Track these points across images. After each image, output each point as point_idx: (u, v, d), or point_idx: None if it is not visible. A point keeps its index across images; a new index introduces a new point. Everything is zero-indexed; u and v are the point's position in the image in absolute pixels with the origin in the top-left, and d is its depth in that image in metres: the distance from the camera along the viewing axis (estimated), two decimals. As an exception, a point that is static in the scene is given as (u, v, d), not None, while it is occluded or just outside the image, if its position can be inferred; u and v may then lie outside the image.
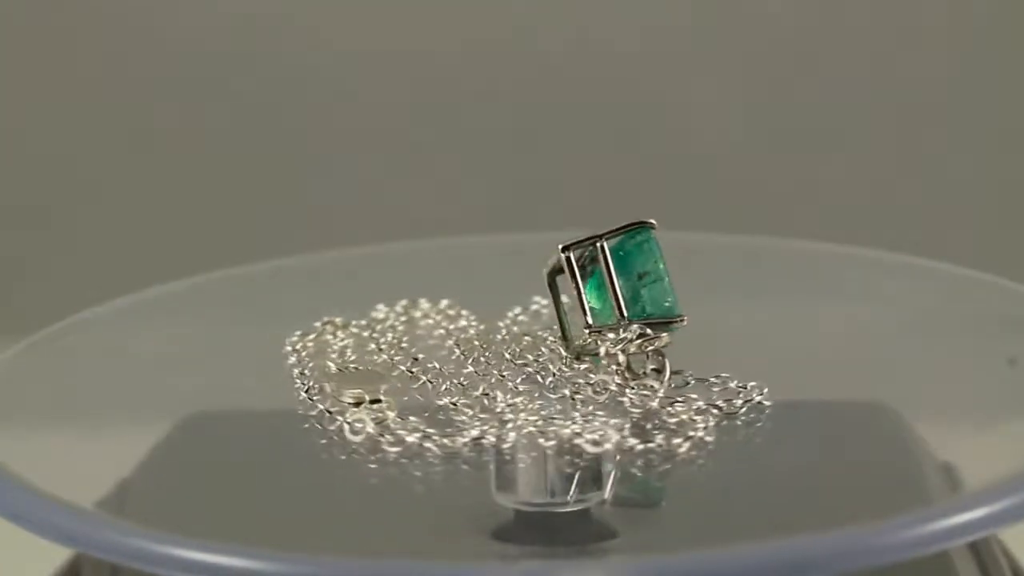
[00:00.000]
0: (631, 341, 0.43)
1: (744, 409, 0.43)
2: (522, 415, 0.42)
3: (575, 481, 0.40)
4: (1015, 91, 0.87)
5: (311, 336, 0.49)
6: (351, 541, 0.38)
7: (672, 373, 0.44)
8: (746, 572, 0.34)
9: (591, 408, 0.43)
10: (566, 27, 0.88)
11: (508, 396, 0.43)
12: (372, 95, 0.88)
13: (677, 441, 0.41)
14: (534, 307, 0.50)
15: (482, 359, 0.46)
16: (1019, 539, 0.46)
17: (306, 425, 0.43)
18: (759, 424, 0.43)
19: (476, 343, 0.47)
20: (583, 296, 0.44)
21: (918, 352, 0.49)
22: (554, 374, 0.45)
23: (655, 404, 0.43)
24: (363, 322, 0.50)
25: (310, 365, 0.47)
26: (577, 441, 0.41)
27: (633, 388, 0.43)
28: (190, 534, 0.36)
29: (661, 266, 0.44)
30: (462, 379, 0.45)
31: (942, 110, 0.88)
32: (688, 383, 0.44)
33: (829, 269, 0.56)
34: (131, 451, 0.43)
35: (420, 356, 0.46)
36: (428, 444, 0.41)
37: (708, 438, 0.41)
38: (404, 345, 0.48)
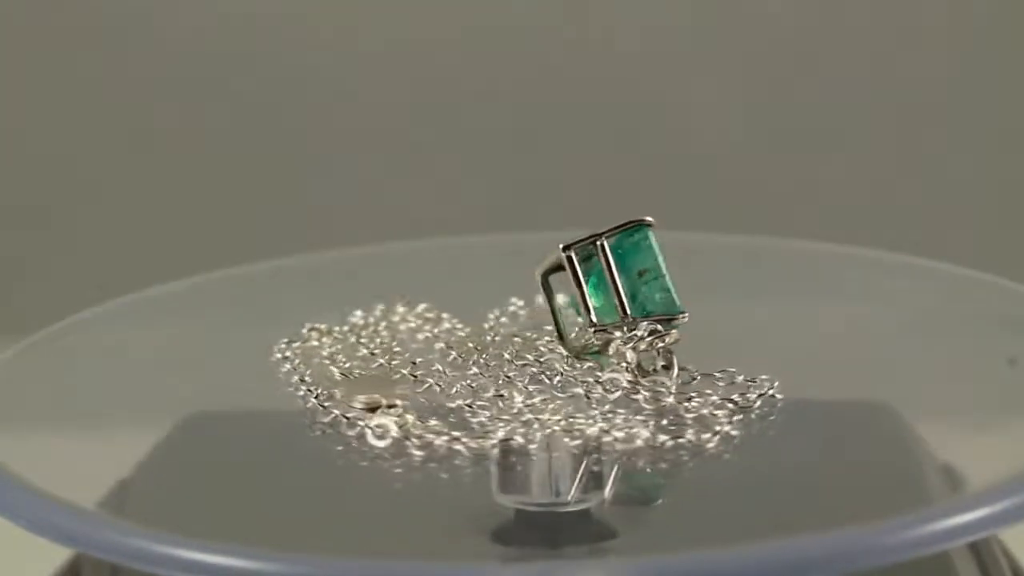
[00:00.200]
0: (642, 338, 0.43)
1: (759, 403, 0.43)
2: (543, 415, 0.42)
3: (576, 481, 0.40)
4: (1015, 91, 0.87)
5: (297, 343, 0.48)
6: (350, 541, 0.38)
7: (679, 370, 0.44)
8: (746, 572, 0.34)
9: (607, 407, 0.43)
10: (566, 27, 0.88)
11: (523, 397, 0.43)
12: (372, 95, 0.88)
13: (706, 436, 0.41)
14: (511, 308, 0.50)
15: (482, 360, 0.46)
16: (1019, 539, 0.46)
17: (318, 433, 0.43)
18: (772, 418, 0.43)
19: (470, 345, 0.47)
20: (586, 295, 0.44)
21: (918, 352, 0.49)
22: (561, 373, 0.44)
23: (671, 400, 0.43)
24: (345, 328, 0.49)
25: (308, 373, 0.46)
26: (606, 439, 0.41)
27: (646, 385, 0.43)
28: (190, 534, 0.36)
29: (661, 263, 0.44)
30: (470, 381, 0.44)
31: (942, 110, 0.88)
32: (694, 379, 0.44)
33: (829, 269, 0.56)
34: (131, 451, 0.43)
35: (418, 360, 0.46)
36: (458, 447, 0.41)
37: (734, 432, 0.42)
38: (397, 349, 0.48)
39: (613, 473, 0.40)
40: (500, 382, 0.44)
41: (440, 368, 0.45)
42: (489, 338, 0.47)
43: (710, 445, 0.41)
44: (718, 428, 0.42)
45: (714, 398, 0.43)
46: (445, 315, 0.50)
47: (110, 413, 0.46)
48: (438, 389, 0.44)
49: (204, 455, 0.44)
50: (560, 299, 0.46)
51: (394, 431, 0.42)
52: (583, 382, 0.44)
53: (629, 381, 0.43)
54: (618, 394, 0.43)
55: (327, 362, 0.47)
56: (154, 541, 0.36)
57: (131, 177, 0.89)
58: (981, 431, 0.44)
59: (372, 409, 0.43)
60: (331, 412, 0.43)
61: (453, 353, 0.47)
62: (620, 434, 0.41)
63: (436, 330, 0.49)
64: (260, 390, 0.47)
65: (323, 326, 0.49)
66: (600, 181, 0.88)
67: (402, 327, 0.49)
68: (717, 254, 0.58)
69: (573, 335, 0.45)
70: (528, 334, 0.47)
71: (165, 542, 0.36)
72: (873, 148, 0.88)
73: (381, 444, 0.42)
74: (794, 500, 0.39)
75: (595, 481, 0.40)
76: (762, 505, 0.39)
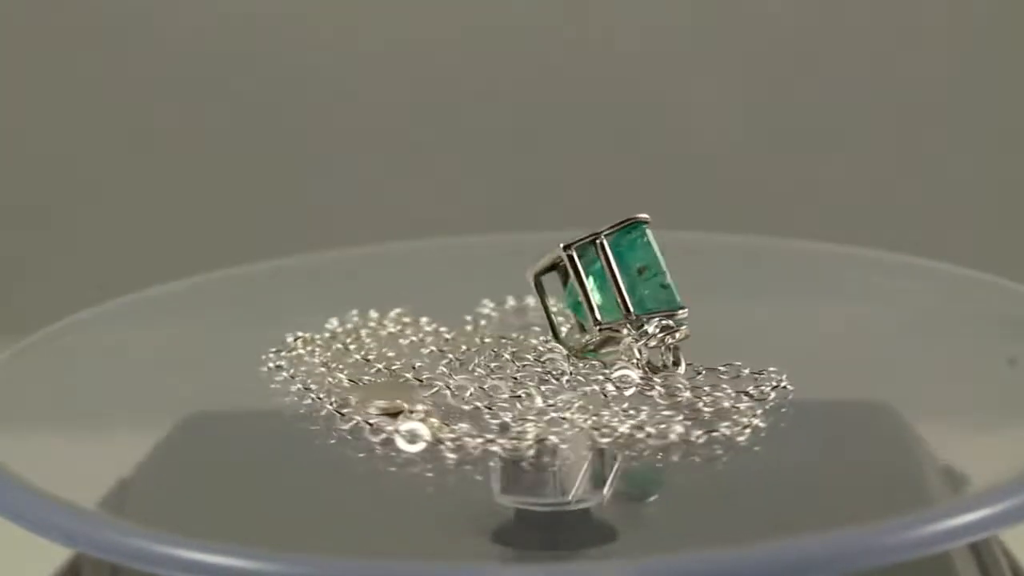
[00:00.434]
0: (653, 335, 0.44)
1: (773, 395, 0.43)
2: (567, 414, 0.42)
3: (577, 481, 0.40)
4: (1015, 91, 0.87)
5: (284, 352, 0.48)
6: (350, 541, 0.38)
7: (686, 365, 0.44)
8: (746, 572, 0.34)
9: (625, 404, 0.42)
10: (566, 27, 0.88)
11: (541, 397, 0.43)
12: (372, 95, 0.88)
13: (736, 428, 0.41)
14: (484, 310, 0.50)
15: (481, 361, 0.46)
16: (1019, 539, 0.46)
17: (334, 440, 0.43)
18: (783, 410, 0.43)
19: (464, 347, 0.47)
20: (589, 294, 0.44)
21: (918, 352, 0.49)
22: (569, 372, 0.44)
23: (688, 395, 0.43)
24: (326, 335, 0.49)
25: (309, 382, 0.46)
26: (639, 435, 0.41)
27: (659, 381, 0.43)
28: (190, 534, 0.36)
29: (659, 260, 0.44)
30: (480, 383, 0.44)
31: (942, 110, 0.88)
32: (699, 374, 0.44)
33: (829, 269, 0.56)
34: (131, 451, 0.43)
35: (417, 364, 0.46)
36: (494, 448, 0.41)
37: (761, 424, 0.42)
38: (391, 355, 0.47)
39: (613, 472, 0.40)
40: (509, 383, 0.44)
41: (445, 371, 0.45)
42: (479, 339, 0.47)
43: (741, 439, 0.41)
44: (746, 421, 0.42)
45: (730, 391, 0.43)
46: (424, 319, 0.49)
47: (110, 413, 0.46)
48: (448, 393, 0.44)
49: (204, 455, 0.44)
50: (554, 301, 0.46)
51: (427, 436, 0.41)
52: (594, 380, 0.44)
53: (641, 377, 0.43)
54: (633, 390, 0.43)
55: (323, 369, 0.46)
56: (154, 541, 0.36)
57: (131, 177, 0.89)
58: (981, 431, 0.44)
59: (393, 414, 0.42)
60: (352, 418, 0.43)
61: (450, 356, 0.46)
62: (652, 430, 0.41)
63: (419, 334, 0.49)
64: (260, 390, 0.47)
65: (307, 334, 0.49)
66: (600, 181, 0.88)
67: (382, 332, 0.49)
68: (717, 254, 0.58)
69: (564, 334, 0.46)
70: (515, 335, 0.47)
71: (165, 542, 0.36)
72: (873, 148, 0.88)
73: (413, 449, 0.41)
74: (794, 500, 0.39)
75: (594, 480, 0.40)
76: (762, 505, 0.39)
